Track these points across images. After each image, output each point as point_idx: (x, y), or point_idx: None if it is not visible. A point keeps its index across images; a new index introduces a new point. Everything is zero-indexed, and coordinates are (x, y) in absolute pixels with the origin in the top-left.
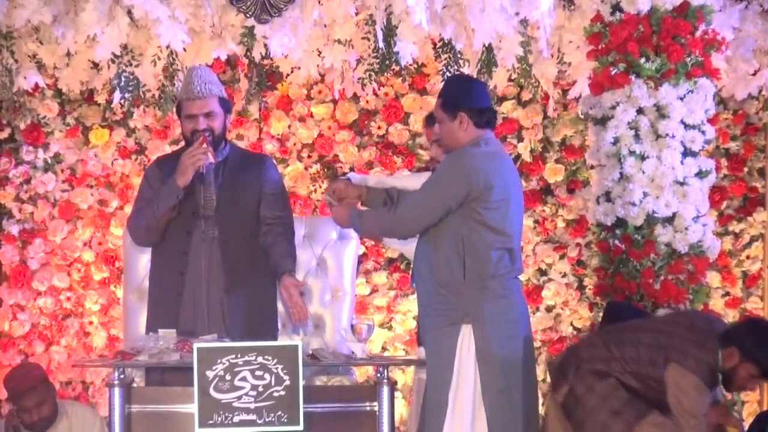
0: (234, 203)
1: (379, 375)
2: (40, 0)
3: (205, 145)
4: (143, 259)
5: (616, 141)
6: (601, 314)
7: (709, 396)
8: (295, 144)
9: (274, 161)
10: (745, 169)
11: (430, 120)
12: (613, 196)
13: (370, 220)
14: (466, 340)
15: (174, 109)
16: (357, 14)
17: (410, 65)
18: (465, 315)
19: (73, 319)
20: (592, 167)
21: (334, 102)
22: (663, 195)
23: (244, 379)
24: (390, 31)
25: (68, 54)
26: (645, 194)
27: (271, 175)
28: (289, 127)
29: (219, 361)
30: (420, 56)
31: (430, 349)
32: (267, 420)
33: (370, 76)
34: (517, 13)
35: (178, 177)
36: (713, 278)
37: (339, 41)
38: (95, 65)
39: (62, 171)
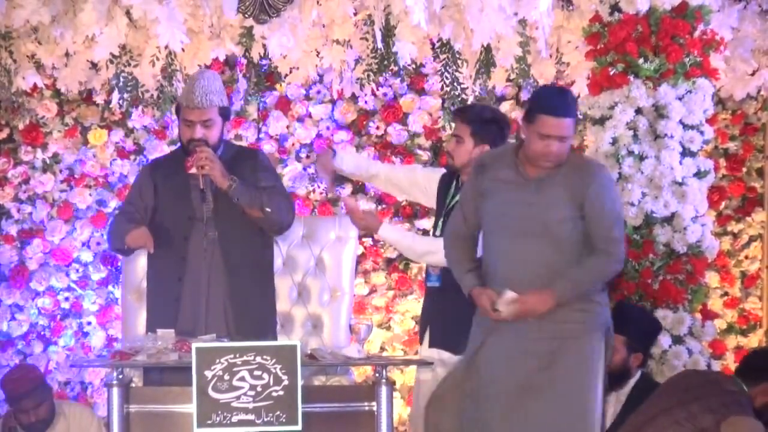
0: (231, 204)
1: (377, 375)
2: (38, 0)
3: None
4: (141, 260)
5: (614, 141)
6: None
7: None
8: (293, 144)
9: (266, 155)
10: (744, 169)
11: (458, 113)
12: None
13: (586, 276)
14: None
15: (173, 109)
16: (355, 14)
17: (409, 65)
18: (601, 324)
19: (71, 319)
20: None
21: (333, 102)
22: (661, 195)
23: (242, 379)
24: (388, 32)
25: (67, 54)
26: (643, 194)
27: (265, 168)
28: (288, 127)
29: (217, 360)
30: (418, 56)
31: (575, 354)
32: (265, 420)
33: (368, 76)
34: (515, 13)
35: (128, 238)
36: (712, 278)
37: (337, 41)
38: (94, 65)
39: (61, 171)
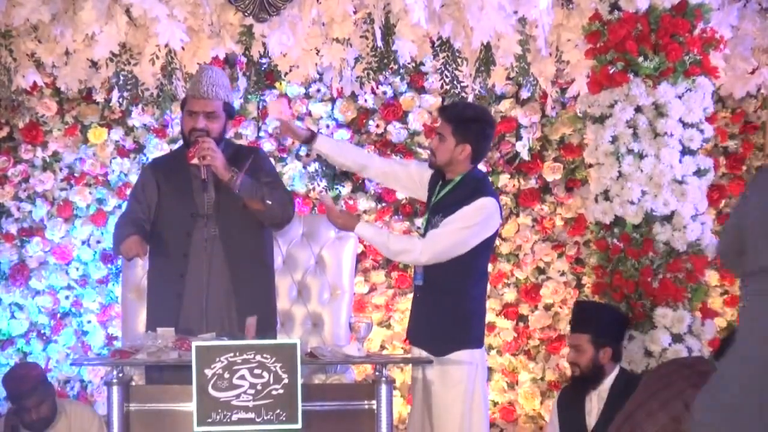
0: (233, 200)
1: (377, 373)
2: None
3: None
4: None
5: (614, 139)
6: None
7: None
8: (293, 143)
9: (265, 152)
10: (744, 168)
11: (440, 111)
12: (611, 194)
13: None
14: None
15: (173, 107)
16: (355, 13)
17: (408, 64)
18: None
19: (71, 317)
20: (590, 166)
21: (333, 100)
22: (661, 193)
23: (242, 377)
24: (388, 30)
25: (67, 53)
26: (643, 193)
27: (264, 165)
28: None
29: (217, 359)
30: (418, 55)
31: None
32: (265, 418)
33: (368, 74)
34: (515, 12)
35: (122, 249)
36: (712, 277)
37: (337, 40)
38: (94, 64)
39: (60, 170)
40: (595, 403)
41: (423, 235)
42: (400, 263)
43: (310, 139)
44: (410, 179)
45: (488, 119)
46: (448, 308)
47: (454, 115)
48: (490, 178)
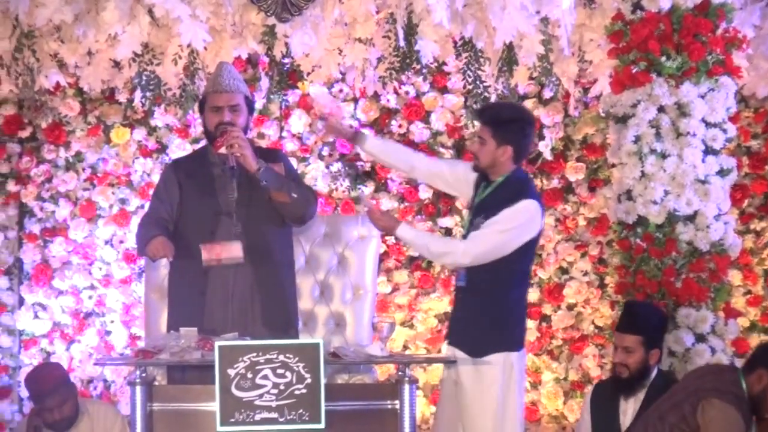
0: (254, 198)
1: (400, 373)
2: None
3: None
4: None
5: (637, 139)
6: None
7: (741, 422)
8: (316, 142)
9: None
10: (767, 167)
11: (478, 114)
12: (634, 194)
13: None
14: None
15: (195, 107)
16: (378, 13)
17: (431, 64)
18: None
19: (94, 317)
20: (613, 165)
21: (355, 100)
22: (684, 193)
23: (265, 377)
24: (411, 30)
25: (89, 53)
26: (666, 192)
27: (284, 164)
28: (310, 125)
29: (240, 359)
30: (441, 55)
31: None
32: (288, 418)
33: (390, 74)
34: (537, 12)
35: (148, 250)
36: (735, 276)
37: (360, 40)
38: (116, 64)
39: (83, 170)
40: (631, 403)
41: (465, 237)
42: (423, 262)
43: (354, 137)
44: (457, 179)
45: (527, 117)
46: (488, 310)
47: (492, 118)
48: None
